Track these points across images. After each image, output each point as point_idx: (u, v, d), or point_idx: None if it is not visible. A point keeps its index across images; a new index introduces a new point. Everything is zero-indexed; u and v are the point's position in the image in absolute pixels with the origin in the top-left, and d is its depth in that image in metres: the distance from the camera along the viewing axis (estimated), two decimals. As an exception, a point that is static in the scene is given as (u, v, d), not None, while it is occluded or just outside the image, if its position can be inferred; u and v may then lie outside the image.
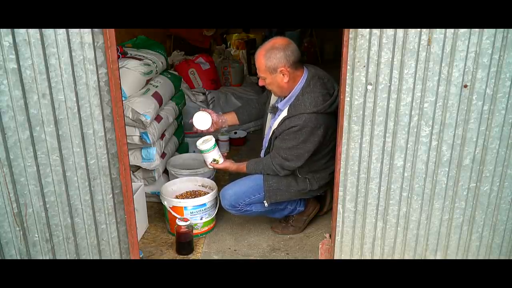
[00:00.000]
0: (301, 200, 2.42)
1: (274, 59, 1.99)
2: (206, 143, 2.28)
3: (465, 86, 1.66)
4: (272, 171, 2.20)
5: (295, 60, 2.02)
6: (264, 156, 2.32)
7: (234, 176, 2.45)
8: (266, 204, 2.25)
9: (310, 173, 2.25)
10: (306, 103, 2.05)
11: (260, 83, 2.14)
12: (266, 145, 2.32)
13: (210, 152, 2.30)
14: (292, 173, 2.23)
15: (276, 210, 2.37)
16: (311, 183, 2.26)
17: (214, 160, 2.33)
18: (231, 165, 2.34)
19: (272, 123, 2.23)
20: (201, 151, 2.33)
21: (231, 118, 2.48)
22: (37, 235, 1.71)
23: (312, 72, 2.13)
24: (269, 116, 2.34)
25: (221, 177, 3.09)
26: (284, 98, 2.16)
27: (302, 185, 2.25)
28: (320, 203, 2.55)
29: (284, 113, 2.12)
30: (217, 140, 2.67)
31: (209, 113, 2.34)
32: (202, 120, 2.32)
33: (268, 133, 2.30)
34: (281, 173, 2.18)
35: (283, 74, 2.02)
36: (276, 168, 2.17)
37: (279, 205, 2.34)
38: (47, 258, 1.76)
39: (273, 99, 2.32)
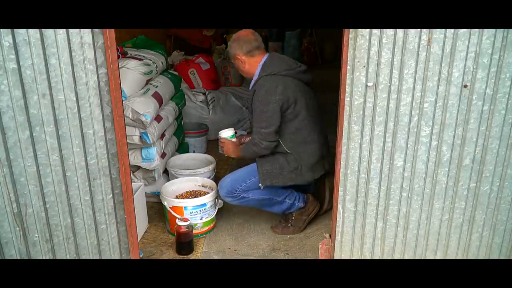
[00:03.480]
0: (299, 195, 2.42)
1: (232, 48, 2.36)
2: (226, 132, 2.50)
3: (465, 86, 1.66)
4: (256, 146, 2.26)
5: (250, 49, 2.30)
6: None
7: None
8: (261, 187, 2.28)
9: (296, 147, 2.28)
10: (263, 73, 2.27)
11: (235, 67, 2.46)
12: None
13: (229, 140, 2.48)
14: (281, 151, 2.29)
15: (274, 203, 2.36)
16: (300, 160, 2.28)
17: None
18: (233, 151, 2.44)
19: None
20: (220, 137, 2.50)
21: None
22: (37, 235, 1.71)
23: (271, 54, 2.39)
24: None
25: (221, 177, 3.09)
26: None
27: (292, 164, 2.28)
28: (319, 201, 2.56)
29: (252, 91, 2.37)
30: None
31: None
32: (226, 131, 2.52)
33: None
34: (263, 144, 2.24)
35: (240, 61, 2.33)
36: (257, 140, 2.24)
37: (277, 196, 2.35)
38: (47, 258, 1.76)
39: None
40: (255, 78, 2.32)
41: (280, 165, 2.28)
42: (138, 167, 2.69)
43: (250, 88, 2.40)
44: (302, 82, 2.31)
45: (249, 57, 2.31)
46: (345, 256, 1.97)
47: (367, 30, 1.60)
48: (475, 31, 1.59)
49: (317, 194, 2.64)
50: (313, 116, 2.30)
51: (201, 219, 2.39)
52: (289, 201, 2.39)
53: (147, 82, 2.71)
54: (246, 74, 2.41)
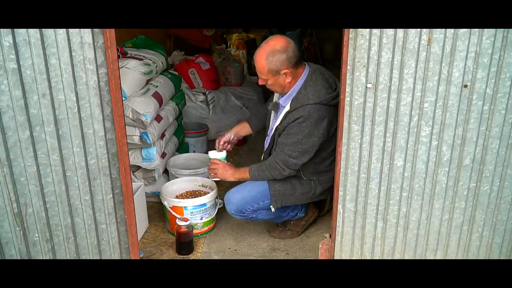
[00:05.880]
0: (302, 206, 2.39)
1: (277, 62, 1.97)
2: (218, 153, 2.35)
3: (465, 86, 1.66)
4: (276, 170, 2.10)
5: (296, 60, 2.02)
6: (265, 158, 2.26)
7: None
8: (273, 209, 2.19)
9: (315, 175, 2.19)
10: (309, 95, 2.02)
11: (260, 82, 2.12)
12: (268, 145, 2.26)
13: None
14: (296, 175, 2.17)
15: (278, 217, 2.34)
16: (315, 185, 2.20)
17: None
18: (233, 173, 2.26)
19: (275, 121, 2.18)
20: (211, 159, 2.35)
21: (244, 129, 2.48)
22: (37, 235, 1.71)
23: (313, 67, 2.14)
24: (272, 114, 2.28)
25: (221, 177, 3.09)
26: (285, 94, 2.12)
27: (307, 187, 2.19)
28: (319, 206, 2.54)
29: (286, 108, 2.08)
30: None
31: (222, 150, 2.38)
32: (218, 152, 2.37)
33: (270, 132, 2.24)
34: (285, 172, 2.09)
35: (286, 75, 2.02)
36: (279, 165, 2.08)
37: (283, 213, 2.32)
38: (47, 258, 1.76)
39: (276, 96, 2.27)
40: (293, 91, 2.06)
41: (293, 185, 2.18)
42: (138, 167, 2.69)
43: (280, 101, 2.14)
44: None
45: (295, 69, 2.02)
46: (345, 256, 1.97)
47: (367, 30, 1.60)
48: (475, 31, 1.59)
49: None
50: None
51: (201, 219, 2.39)
52: (291, 213, 2.37)
53: (147, 82, 2.71)
54: (284, 89, 2.08)
